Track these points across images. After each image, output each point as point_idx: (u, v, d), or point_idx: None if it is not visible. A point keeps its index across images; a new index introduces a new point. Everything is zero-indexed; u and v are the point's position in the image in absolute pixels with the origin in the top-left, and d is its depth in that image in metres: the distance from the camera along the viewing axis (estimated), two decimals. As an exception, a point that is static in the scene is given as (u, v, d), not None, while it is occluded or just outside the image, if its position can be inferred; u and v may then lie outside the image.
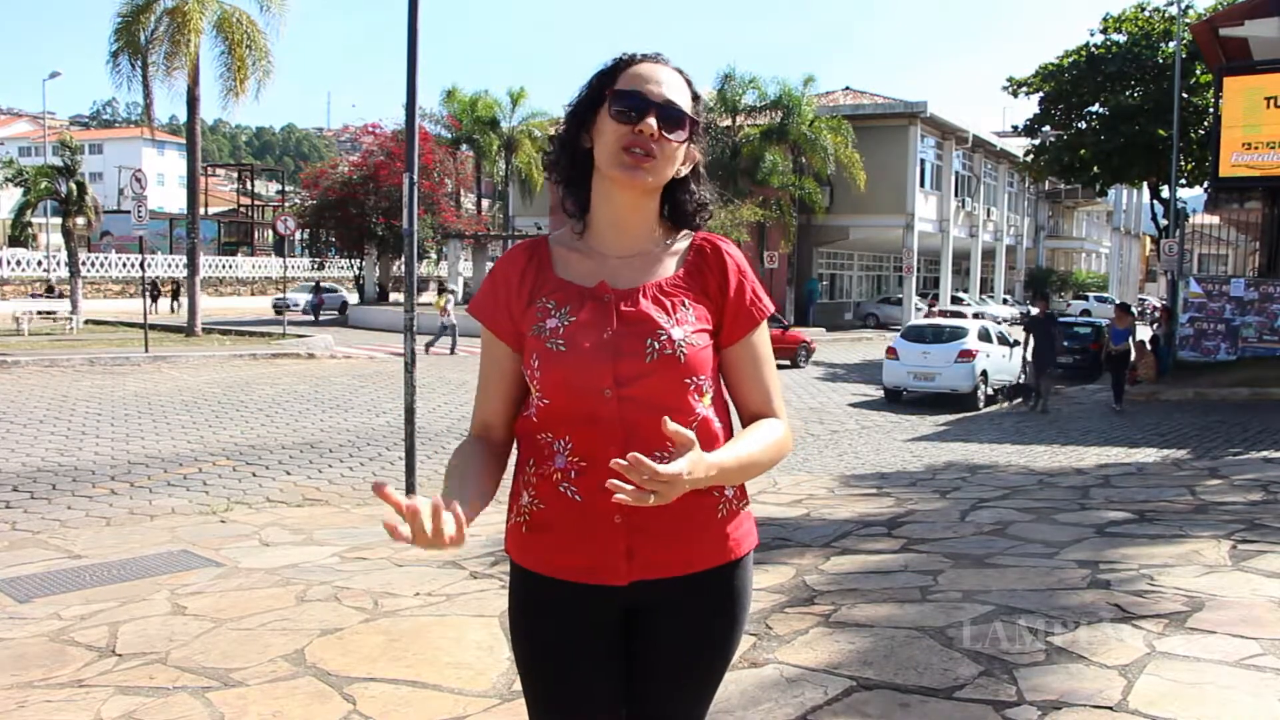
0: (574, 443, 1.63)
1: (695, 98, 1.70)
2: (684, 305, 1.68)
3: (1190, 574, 4.58)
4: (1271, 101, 17.52)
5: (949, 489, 8.01)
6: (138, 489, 8.24)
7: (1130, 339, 16.03)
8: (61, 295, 32.32)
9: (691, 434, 1.49)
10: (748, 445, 1.65)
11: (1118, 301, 20.63)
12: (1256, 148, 17.86)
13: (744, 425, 1.75)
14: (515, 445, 1.75)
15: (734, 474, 1.62)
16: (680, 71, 1.70)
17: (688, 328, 1.65)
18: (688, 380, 1.64)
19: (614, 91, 1.64)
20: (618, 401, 1.60)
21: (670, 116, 1.63)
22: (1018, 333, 22.44)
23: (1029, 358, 16.14)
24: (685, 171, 1.72)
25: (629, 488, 1.41)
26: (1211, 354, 18.76)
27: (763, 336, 1.76)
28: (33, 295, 32.54)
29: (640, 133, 1.61)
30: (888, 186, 33.93)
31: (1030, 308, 21.34)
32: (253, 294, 45.58)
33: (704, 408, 1.67)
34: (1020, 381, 17.16)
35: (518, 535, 1.72)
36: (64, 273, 33.85)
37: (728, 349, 1.72)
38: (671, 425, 1.46)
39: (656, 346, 1.62)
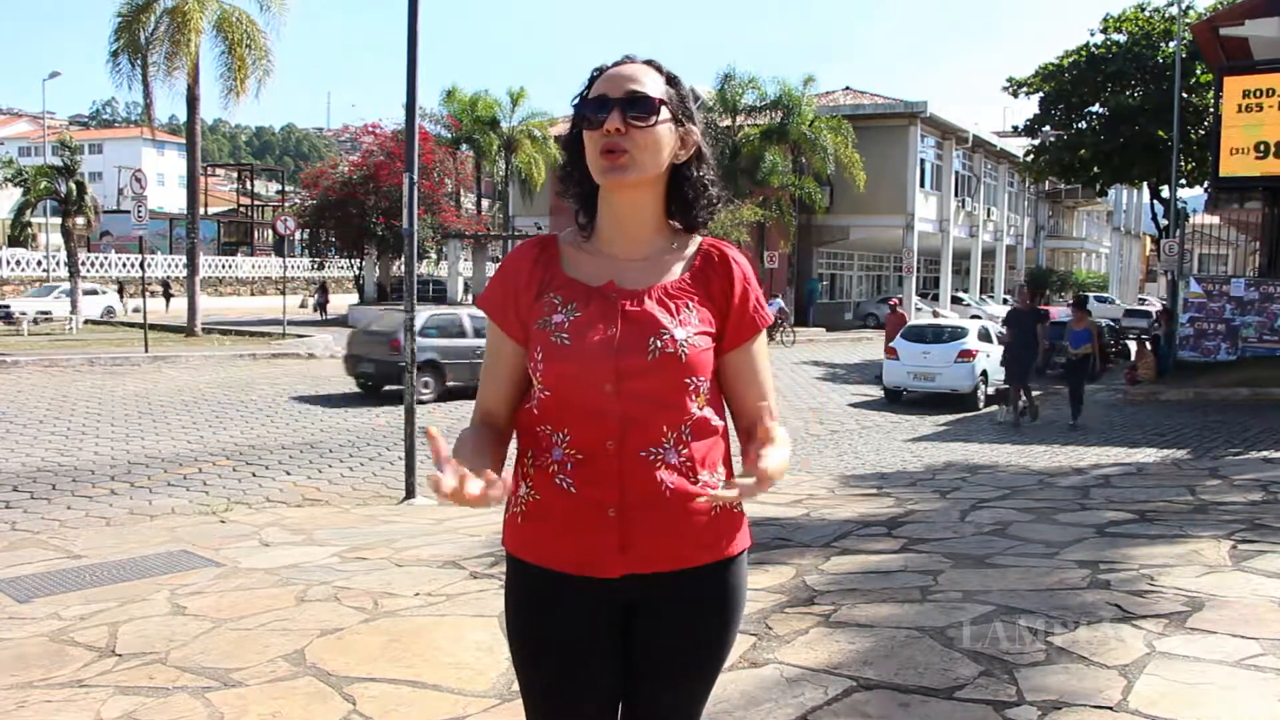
0: (572, 435, 1.65)
1: (670, 80, 1.72)
2: (688, 307, 1.70)
3: (1190, 574, 4.58)
4: (1272, 101, 17.52)
5: (949, 489, 8.01)
6: (138, 489, 8.24)
7: (1092, 341, 14.00)
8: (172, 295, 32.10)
9: (775, 431, 1.58)
10: (785, 451, 1.66)
11: (1074, 298, 17.29)
12: (1257, 148, 17.86)
13: (740, 426, 1.77)
14: (515, 437, 1.77)
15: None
16: (649, 62, 1.72)
17: (690, 329, 1.68)
18: (688, 380, 1.66)
19: (582, 103, 1.69)
20: (618, 397, 1.62)
21: (635, 105, 1.65)
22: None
23: (1003, 358, 14.36)
24: (685, 157, 1.73)
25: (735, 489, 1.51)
26: (1211, 354, 18.77)
27: (762, 343, 1.79)
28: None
29: (607, 131, 1.64)
30: (888, 186, 33.93)
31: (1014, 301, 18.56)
32: (253, 294, 45.55)
33: (700, 408, 1.69)
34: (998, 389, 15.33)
35: (514, 526, 1.74)
36: (63, 273, 33.84)
37: (729, 354, 1.74)
38: (769, 423, 1.62)
39: (659, 345, 1.64)
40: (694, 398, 1.67)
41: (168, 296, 35.83)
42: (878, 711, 3.10)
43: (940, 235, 38.47)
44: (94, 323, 27.76)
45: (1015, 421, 13.79)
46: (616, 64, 1.71)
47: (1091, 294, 50.08)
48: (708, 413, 1.69)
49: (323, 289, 36.72)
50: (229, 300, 41.78)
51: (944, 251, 38.89)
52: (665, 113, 1.67)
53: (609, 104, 1.65)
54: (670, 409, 1.64)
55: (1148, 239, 60.78)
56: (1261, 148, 17.77)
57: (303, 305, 39.71)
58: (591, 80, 1.72)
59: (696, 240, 1.79)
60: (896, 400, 16.42)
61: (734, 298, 1.74)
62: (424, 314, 13.69)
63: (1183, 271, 20.64)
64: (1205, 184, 24.59)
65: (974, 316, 27.46)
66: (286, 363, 19.32)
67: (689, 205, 1.75)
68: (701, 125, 1.77)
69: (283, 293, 26.34)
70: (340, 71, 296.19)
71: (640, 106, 1.65)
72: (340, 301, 39.23)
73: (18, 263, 38.99)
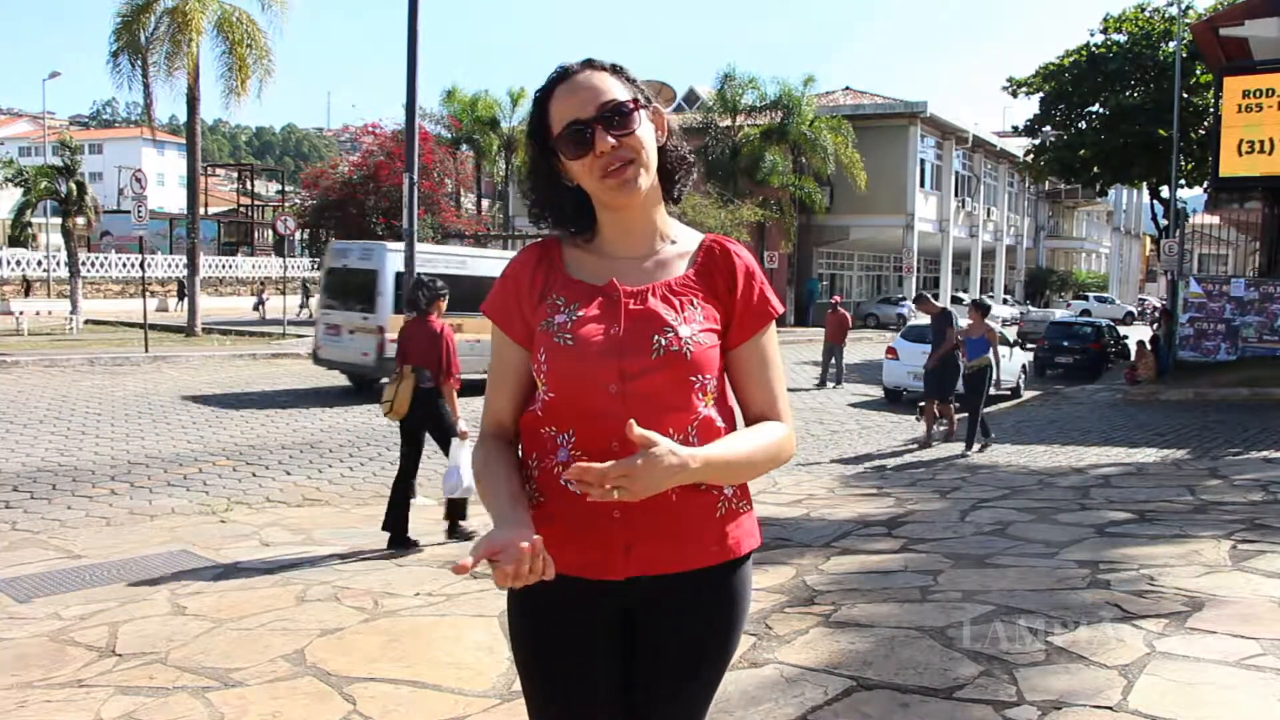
0: (577, 437, 1.63)
1: (617, 70, 1.67)
2: (692, 304, 1.68)
3: (1190, 574, 4.59)
4: (1272, 101, 17.52)
5: (949, 489, 8.02)
6: (138, 489, 8.23)
7: (991, 352, 11.56)
8: (30, 294, 31.92)
9: (653, 435, 1.48)
10: (740, 443, 1.64)
11: (972, 299, 13.27)
12: (1257, 148, 17.87)
13: (748, 425, 1.75)
14: (521, 441, 1.76)
15: (721, 469, 1.60)
16: (589, 63, 1.67)
17: (695, 326, 1.66)
18: (693, 378, 1.64)
19: (556, 138, 1.63)
20: (622, 397, 1.60)
21: (613, 117, 1.61)
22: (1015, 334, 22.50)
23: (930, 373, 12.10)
24: (664, 139, 1.72)
25: (598, 491, 1.45)
26: (1211, 354, 18.77)
27: (770, 338, 1.76)
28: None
29: (601, 154, 1.60)
30: (888, 186, 33.95)
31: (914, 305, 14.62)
32: (253, 294, 45.55)
33: (707, 407, 1.67)
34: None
35: None
36: (64, 273, 33.87)
37: (735, 349, 1.72)
38: (637, 430, 1.47)
39: (663, 343, 1.62)
40: (700, 397, 1.65)
41: (182, 296, 35.81)
42: (878, 711, 3.10)
43: (940, 235, 38.48)
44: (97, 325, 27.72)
45: (926, 441, 11.87)
46: (559, 81, 1.65)
47: (1091, 294, 50.21)
48: (713, 412, 1.67)
49: (261, 287, 36.53)
50: (229, 300, 41.72)
51: (944, 251, 38.91)
52: (638, 108, 1.65)
53: (588, 125, 1.60)
54: (676, 409, 1.62)
55: (1148, 239, 60.82)
56: (1261, 147, 17.77)
57: (300, 306, 39.51)
58: (541, 106, 1.66)
59: (698, 237, 1.78)
60: (896, 400, 16.40)
61: (738, 291, 1.72)
62: None
63: (1183, 271, 20.63)
64: (1205, 184, 24.59)
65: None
66: (286, 363, 19.30)
67: (670, 176, 1.74)
68: (659, 102, 1.75)
69: (282, 293, 26.35)
70: (340, 71, 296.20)
71: (619, 114, 1.61)
72: (286, 302, 38.39)
73: (18, 263, 38.99)
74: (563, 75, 1.66)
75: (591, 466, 1.45)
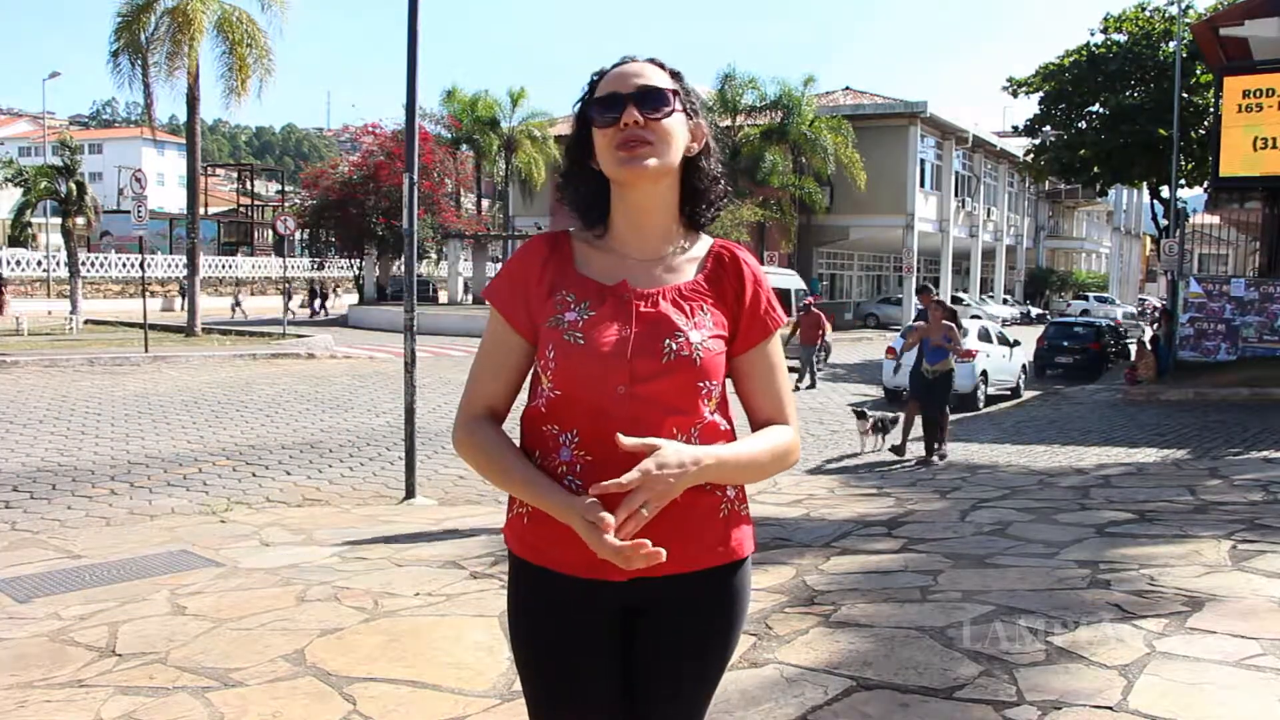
0: (581, 436, 1.63)
1: (674, 75, 1.72)
2: (702, 310, 1.69)
3: (1190, 574, 4.59)
4: (1272, 101, 17.52)
5: (949, 489, 8.02)
6: (138, 489, 8.23)
7: (953, 354, 10.50)
8: None
9: (650, 440, 1.53)
10: (750, 444, 1.67)
11: (936, 298, 11.27)
12: (1257, 147, 17.86)
13: (755, 431, 1.76)
14: (519, 435, 1.75)
15: (733, 468, 1.63)
16: (652, 60, 1.72)
17: (705, 331, 1.67)
18: (700, 384, 1.65)
19: (590, 102, 1.69)
20: (630, 399, 1.60)
21: (649, 99, 1.65)
22: (1018, 333, 22.51)
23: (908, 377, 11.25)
24: (696, 149, 1.73)
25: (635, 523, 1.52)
26: (1211, 354, 18.77)
27: (775, 346, 1.77)
28: None
29: (625, 125, 1.63)
30: (888, 186, 33.97)
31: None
32: (252, 294, 45.56)
33: (711, 412, 1.68)
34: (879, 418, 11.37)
35: (519, 527, 1.73)
36: (63, 273, 33.85)
37: (740, 357, 1.73)
38: (627, 441, 1.51)
39: (674, 348, 1.63)
40: (706, 402, 1.66)
41: (183, 295, 35.86)
42: (878, 711, 3.10)
43: (940, 235, 38.50)
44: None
45: (907, 455, 10.58)
46: (618, 65, 1.71)
47: (1092, 294, 50.20)
48: (717, 417, 1.69)
49: (237, 289, 36.68)
50: (229, 300, 41.75)
51: (944, 251, 38.92)
52: (677, 103, 1.68)
53: (621, 100, 1.64)
54: (680, 412, 1.63)
55: (1148, 239, 60.82)
56: (1261, 146, 17.76)
57: (295, 305, 39.59)
58: (593, 84, 1.71)
59: (708, 241, 1.78)
60: (896, 400, 16.40)
61: (745, 299, 1.73)
62: None
63: (1183, 271, 20.63)
64: (1205, 184, 24.61)
65: (974, 316, 27.48)
66: (286, 363, 19.31)
67: (700, 196, 1.74)
68: (705, 118, 1.78)
69: (282, 293, 26.35)
70: (340, 71, 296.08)
71: (654, 98, 1.65)
72: (263, 304, 38.60)
73: (18, 263, 39.00)
74: (622, 61, 1.71)
75: (610, 485, 1.50)
